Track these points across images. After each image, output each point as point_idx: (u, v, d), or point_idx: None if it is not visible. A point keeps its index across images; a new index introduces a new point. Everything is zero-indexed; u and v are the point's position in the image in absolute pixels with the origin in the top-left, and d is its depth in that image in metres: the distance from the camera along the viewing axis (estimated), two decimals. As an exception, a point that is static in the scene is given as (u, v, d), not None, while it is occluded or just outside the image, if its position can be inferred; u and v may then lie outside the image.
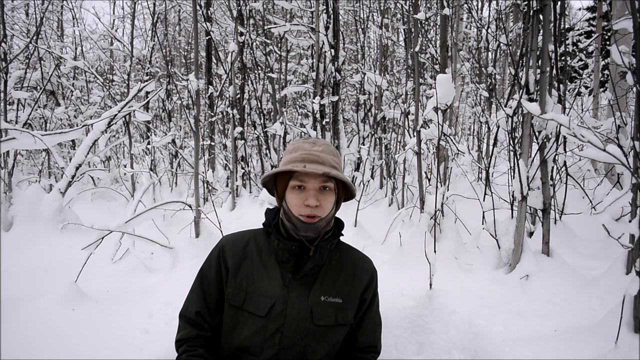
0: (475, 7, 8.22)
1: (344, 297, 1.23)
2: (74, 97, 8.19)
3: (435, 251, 3.17)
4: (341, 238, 1.37)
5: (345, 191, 1.29)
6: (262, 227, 1.31)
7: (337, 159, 1.24)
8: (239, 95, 6.44)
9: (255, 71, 6.97)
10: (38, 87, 7.21)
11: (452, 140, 3.88)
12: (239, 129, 6.32)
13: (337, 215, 1.33)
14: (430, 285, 2.77)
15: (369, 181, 6.06)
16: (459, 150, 3.91)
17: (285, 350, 1.18)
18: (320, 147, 1.22)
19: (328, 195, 1.19)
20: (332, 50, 6.01)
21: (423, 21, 5.43)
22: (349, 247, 1.35)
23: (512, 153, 3.35)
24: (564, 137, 3.47)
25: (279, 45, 7.57)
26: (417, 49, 4.02)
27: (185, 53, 12.64)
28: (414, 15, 4.06)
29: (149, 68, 8.10)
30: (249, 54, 6.75)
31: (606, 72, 7.66)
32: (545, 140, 2.99)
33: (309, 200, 1.15)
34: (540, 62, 2.78)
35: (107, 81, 9.34)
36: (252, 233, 1.31)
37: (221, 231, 3.47)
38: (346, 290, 1.24)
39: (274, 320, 1.18)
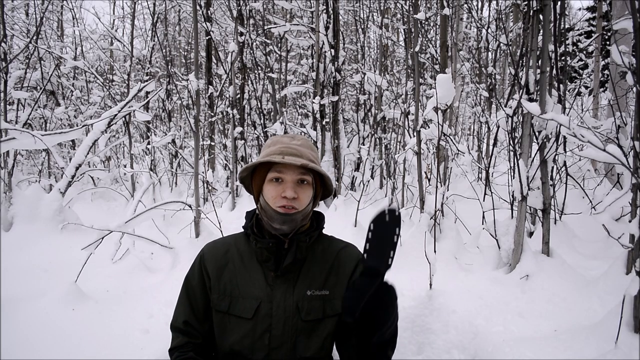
0: (475, 7, 8.22)
1: (331, 288, 1.22)
2: (74, 97, 8.19)
3: (435, 251, 3.17)
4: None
5: (323, 188, 1.28)
6: (242, 230, 1.31)
7: (315, 153, 1.24)
8: (239, 95, 6.44)
9: (255, 71, 6.97)
10: (38, 87, 7.21)
11: (452, 140, 3.88)
12: (239, 129, 6.32)
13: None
14: (430, 285, 2.77)
15: (369, 181, 6.05)
16: (459, 150, 3.92)
17: (276, 350, 1.18)
18: (298, 141, 1.22)
19: (306, 189, 1.19)
20: (332, 50, 6.01)
21: (423, 21, 5.43)
22: (332, 238, 1.34)
23: (512, 153, 3.35)
24: (564, 137, 3.47)
25: (279, 45, 7.57)
26: (417, 49, 4.02)
27: (185, 53, 12.63)
28: (414, 15, 4.06)
29: (149, 68, 8.10)
30: (249, 54, 6.75)
31: (606, 72, 7.67)
32: (545, 140, 3.00)
33: (287, 192, 1.15)
34: (540, 62, 2.78)
35: (107, 81, 9.34)
36: (233, 238, 1.32)
37: (221, 231, 3.47)
38: (332, 281, 1.23)
39: (261, 321, 1.18)
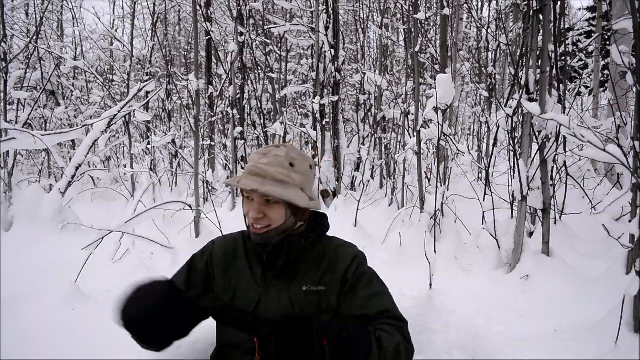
0: (475, 7, 8.22)
1: (327, 284, 1.23)
2: (74, 97, 8.19)
3: (435, 251, 3.18)
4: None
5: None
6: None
7: (285, 171, 1.17)
8: (239, 95, 6.44)
9: (255, 71, 6.97)
10: (38, 87, 7.21)
11: (452, 140, 3.88)
12: (239, 129, 6.32)
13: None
14: (430, 285, 2.78)
15: (369, 181, 6.06)
16: (459, 150, 3.92)
17: None
18: (268, 158, 1.17)
19: (274, 207, 1.17)
20: (332, 50, 6.01)
21: (423, 21, 5.43)
22: (333, 238, 1.34)
23: (512, 153, 3.35)
24: (564, 137, 3.47)
25: (279, 45, 7.57)
26: (417, 49, 4.03)
27: (185, 53, 12.64)
28: (414, 15, 4.06)
29: (149, 68, 8.10)
30: (249, 54, 6.75)
31: (606, 72, 7.66)
32: (545, 140, 3.00)
33: (251, 213, 1.17)
34: (540, 62, 2.78)
35: (107, 81, 9.34)
36: (241, 233, 1.35)
37: (221, 231, 3.47)
38: (328, 277, 1.24)
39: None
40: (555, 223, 3.75)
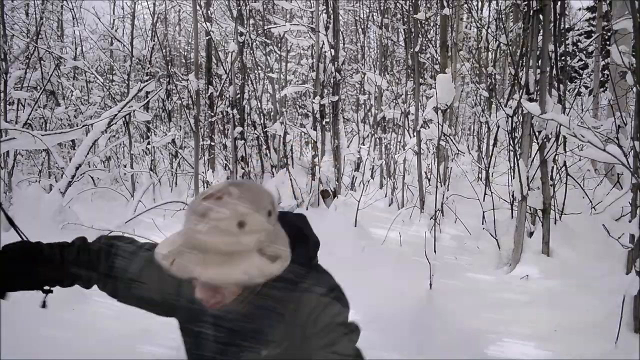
0: (475, 7, 8.22)
1: (289, 339, 1.00)
2: (74, 97, 8.18)
3: (435, 251, 3.18)
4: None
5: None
6: None
7: (233, 239, 0.84)
8: (239, 95, 6.44)
9: (255, 71, 6.97)
10: (38, 87, 7.21)
11: (452, 140, 3.88)
12: (239, 129, 6.32)
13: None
14: (430, 285, 2.78)
15: (369, 181, 6.06)
16: (459, 150, 3.92)
17: None
18: (209, 224, 0.84)
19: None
20: (332, 50, 6.01)
21: (423, 21, 5.43)
22: (302, 282, 1.02)
23: (512, 153, 3.35)
24: (564, 137, 3.47)
25: (279, 45, 7.57)
26: (417, 49, 4.03)
27: (185, 53, 12.63)
28: (414, 15, 4.06)
29: (149, 68, 8.10)
30: (249, 54, 6.75)
31: (606, 72, 7.65)
32: (545, 140, 3.00)
33: (197, 293, 0.91)
34: (540, 62, 2.78)
35: (107, 81, 9.34)
36: None
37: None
38: (289, 331, 1.01)
39: None
40: (555, 223, 3.75)
